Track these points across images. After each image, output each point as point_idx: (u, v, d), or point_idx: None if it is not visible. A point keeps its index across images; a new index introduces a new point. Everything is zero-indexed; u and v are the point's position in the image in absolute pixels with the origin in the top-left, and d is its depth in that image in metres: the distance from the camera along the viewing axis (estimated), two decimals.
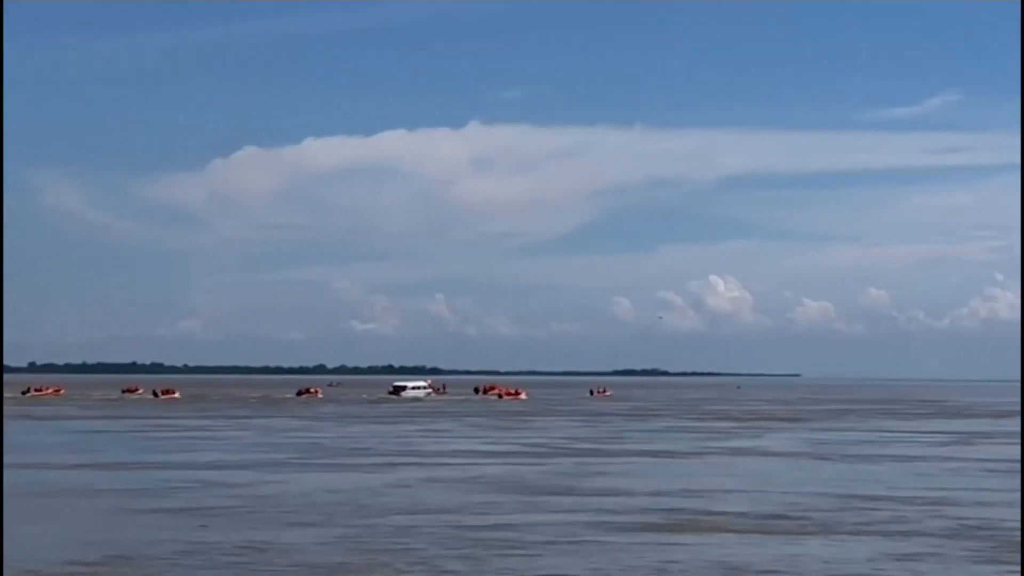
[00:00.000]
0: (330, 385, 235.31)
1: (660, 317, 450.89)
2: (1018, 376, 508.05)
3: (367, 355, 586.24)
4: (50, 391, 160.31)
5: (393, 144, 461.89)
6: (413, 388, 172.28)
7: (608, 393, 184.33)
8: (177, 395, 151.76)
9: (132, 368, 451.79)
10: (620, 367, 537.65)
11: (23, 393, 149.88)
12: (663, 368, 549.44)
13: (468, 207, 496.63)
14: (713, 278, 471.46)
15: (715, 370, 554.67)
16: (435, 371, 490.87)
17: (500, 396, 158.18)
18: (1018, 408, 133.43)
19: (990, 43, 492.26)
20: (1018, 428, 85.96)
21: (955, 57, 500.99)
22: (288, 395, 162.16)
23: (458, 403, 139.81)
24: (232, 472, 47.87)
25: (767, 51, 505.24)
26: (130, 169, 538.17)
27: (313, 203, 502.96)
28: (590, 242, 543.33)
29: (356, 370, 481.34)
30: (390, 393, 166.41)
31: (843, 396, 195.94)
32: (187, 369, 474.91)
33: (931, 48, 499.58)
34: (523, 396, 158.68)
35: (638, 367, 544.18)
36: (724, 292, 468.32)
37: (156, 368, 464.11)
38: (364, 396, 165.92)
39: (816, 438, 72.95)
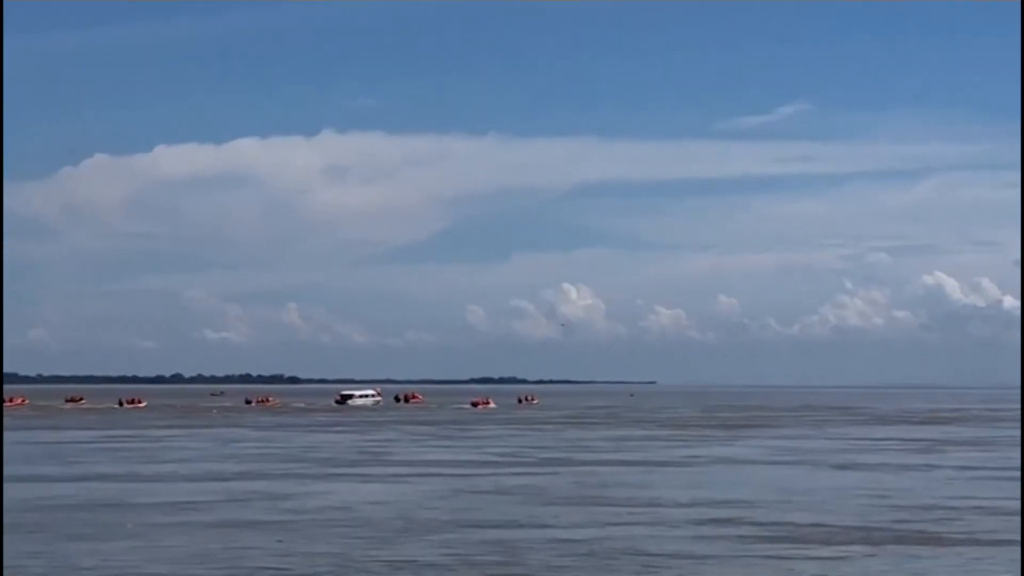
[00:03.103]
0: (212, 395, 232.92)
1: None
2: (870, 382, 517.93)
3: (222, 364, 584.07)
4: (19, 401, 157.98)
5: (245, 152, 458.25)
6: (360, 396, 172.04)
7: (536, 401, 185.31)
8: (144, 404, 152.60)
9: None
10: (477, 375, 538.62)
11: None
12: (520, 376, 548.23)
13: (321, 216, 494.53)
14: (566, 286, 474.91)
15: (571, 378, 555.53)
16: (293, 380, 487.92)
17: (475, 405, 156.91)
18: (942, 415, 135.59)
19: (840, 53, 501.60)
20: (963, 435, 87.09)
21: (806, 67, 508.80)
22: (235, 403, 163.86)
23: (403, 412, 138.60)
24: (244, 483, 46.50)
25: (619, 60, 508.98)
26: None
27: (164, 212, 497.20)
28: (444, 251, 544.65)
29: (213, 379, 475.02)
30: (337, 402, 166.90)
31: (743, 403, 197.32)
32: (41, 379, 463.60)
33: (782, 58, 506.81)
34: (492, 405, 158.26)
35: (495, 375, 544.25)
36: (577, 300, 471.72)
37: (10, 378, 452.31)
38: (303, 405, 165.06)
39: (785, 446, 72.90)
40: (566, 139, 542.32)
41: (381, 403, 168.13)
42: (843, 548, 29.20)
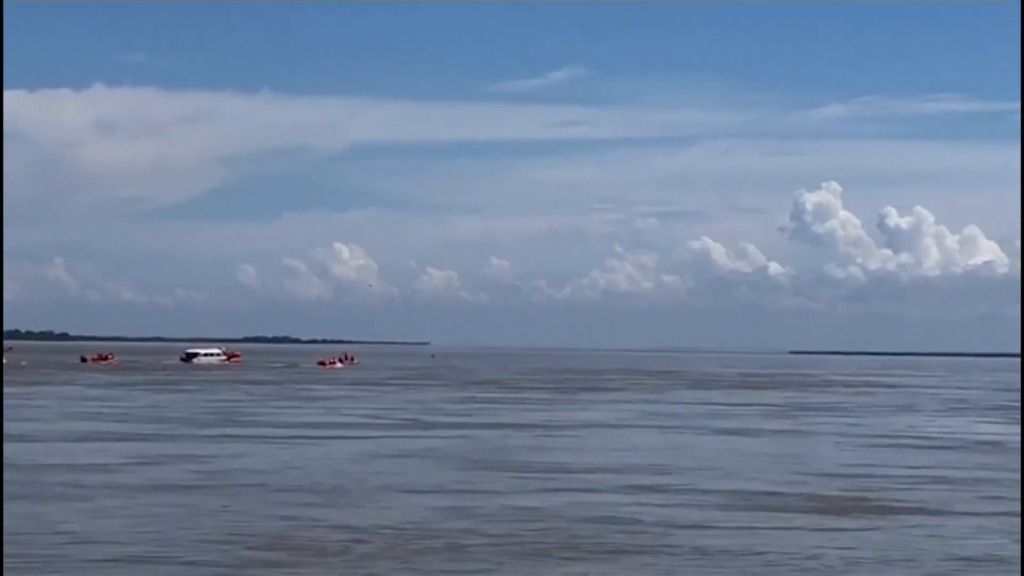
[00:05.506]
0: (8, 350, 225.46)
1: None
2: (640, 345, 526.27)
3: None
4: None
5: (12, 105, 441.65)
6: (206, 355, 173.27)
7: (356, 361, 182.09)
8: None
9: None
10: (249, 334, 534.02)
11: None
12: (293, 335, 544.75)
13: (90, 171, 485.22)
14: (338, 246, 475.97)
15: (343, 337, 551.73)
16: (63, 336, 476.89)
17: (322, 364, 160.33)
18: (753, 380, 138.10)
19: (613, 18, 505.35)
20: (803, 401, 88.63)
21: (578, 32, 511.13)
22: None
23: (254, 372, 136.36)
24: (137, 444, 45.05)
25: (393, 20, 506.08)
26: None
27: None
28: (215, 209, 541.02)
29: None
30: (182, 360, 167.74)
31: (550, 366, 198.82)
32: None
33: (554, 22, 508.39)
34: (338, 365, 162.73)
35: (268, 334, 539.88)
36: (349, 260, 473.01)
37: None
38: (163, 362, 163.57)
39: (645, 410, 73.25)
40: (339, 98, 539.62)
41: (226, 362, 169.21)
42: (825, 518, 28.97)
